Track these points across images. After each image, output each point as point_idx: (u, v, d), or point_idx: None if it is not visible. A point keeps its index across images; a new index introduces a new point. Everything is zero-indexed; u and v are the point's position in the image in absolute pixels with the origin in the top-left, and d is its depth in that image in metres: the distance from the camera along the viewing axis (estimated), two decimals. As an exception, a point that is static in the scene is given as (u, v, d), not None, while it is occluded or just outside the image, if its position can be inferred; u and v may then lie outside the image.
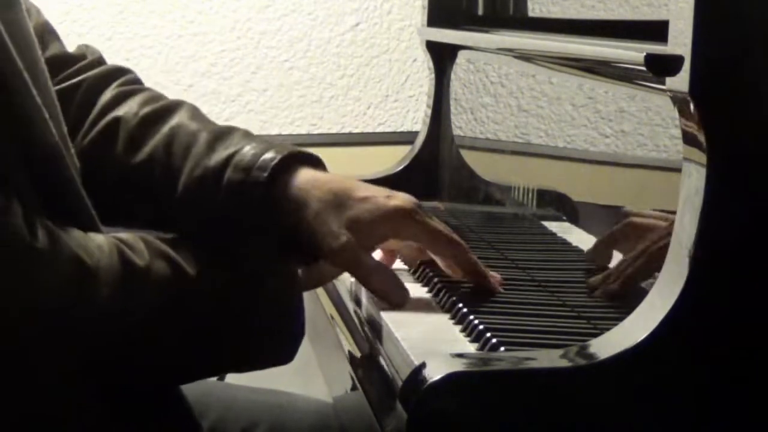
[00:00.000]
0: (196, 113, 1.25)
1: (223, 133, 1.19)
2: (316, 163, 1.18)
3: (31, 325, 1.00)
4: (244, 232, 1.13)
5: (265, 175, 1.12)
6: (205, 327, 1.09)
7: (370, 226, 1.13)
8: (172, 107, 1.26)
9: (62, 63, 1.29)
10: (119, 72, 1.32)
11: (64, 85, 1.28)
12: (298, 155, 1.16)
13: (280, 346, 1.12)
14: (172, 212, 1.19)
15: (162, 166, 1.20)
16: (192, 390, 1.18)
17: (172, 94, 2.27)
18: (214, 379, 1.40)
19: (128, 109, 1.26)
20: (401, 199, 1.16)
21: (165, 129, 1.22)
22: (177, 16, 2.30)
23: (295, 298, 1.12)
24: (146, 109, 1.25)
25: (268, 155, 1.14)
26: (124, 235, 1.09)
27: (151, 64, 2.29)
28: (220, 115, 2.32)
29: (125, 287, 1.04)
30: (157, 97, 1.29)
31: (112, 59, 2.24)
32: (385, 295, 1.18)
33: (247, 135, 1.20)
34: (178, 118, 1.23)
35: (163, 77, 2.29)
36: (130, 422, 1.09)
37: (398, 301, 1.17)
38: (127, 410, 1.09)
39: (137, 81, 1.33)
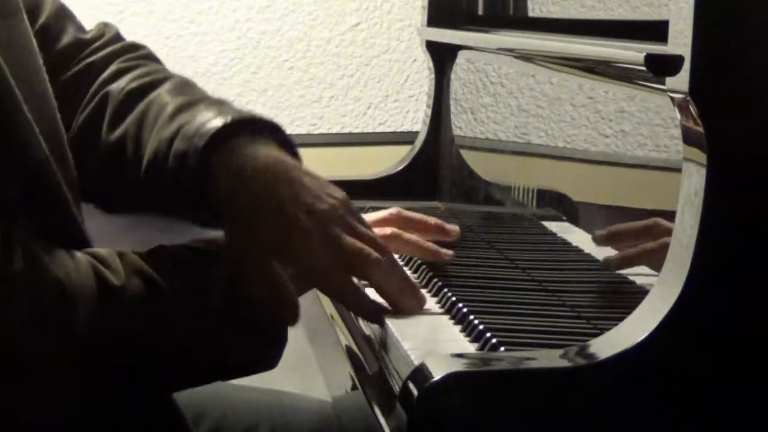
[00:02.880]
0: (179, 87, 1.21)
1: (188, 104, 1.15)
2: (272, 131, 1.12)
3: (8, 347, 1.00)
4: (187, 202, 1.09)
5: (203, 143, 1.07)
6: (185, 340, 1.08)
7: (288, 245, 1.07)
8: (158, 81, 1.22)
9: (78, 49, 1.28)
10: (129, 49, 1.29)
11: (74, 69, 1.26)
12: (249, 121, 1.10)
13: (263, 354, 1.12)
14: (140, 190, 1.17)
15: (133, 143, 1.17)
16: (193, 390, 1.18)
17: (172, 94, 2.28)
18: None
19: (118, 84, 1.23)
20: (315, 219, 1.08)
21: (141, 105, 1.18)
22: (177, 16, 2.30)
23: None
24: (132, 85, 1.21)
25: (213, 123, 1.08)
26: (102, 251, 1.08)
27: (151, 64, 2.29)
28: (220, 115, 2.32)
29: (102, 308, 1.03)
30: (153, 71, 1.24)
31: (112, 59, 2.25)
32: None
33: (213, 104, 1.14)
34: (157, 92, 1.19)
35: (163, 77, 2.29)
36: (118, 426, 1.09)
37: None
38: (115, 414, 1.09)
39: (147, 56, 1.28)
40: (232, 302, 1.09)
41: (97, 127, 1.21)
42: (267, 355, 1.12)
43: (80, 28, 1.31)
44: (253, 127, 1.10)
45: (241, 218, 1.08)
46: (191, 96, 1.19)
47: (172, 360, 1.09)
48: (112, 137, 1.19)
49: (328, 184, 1.13)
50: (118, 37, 1.31)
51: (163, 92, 1.19)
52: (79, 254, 1.06)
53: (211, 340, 1.09)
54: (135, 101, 1.20)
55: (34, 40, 1.14)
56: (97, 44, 1.29)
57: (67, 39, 1.28)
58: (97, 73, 1.26)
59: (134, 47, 1.30)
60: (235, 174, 1.08)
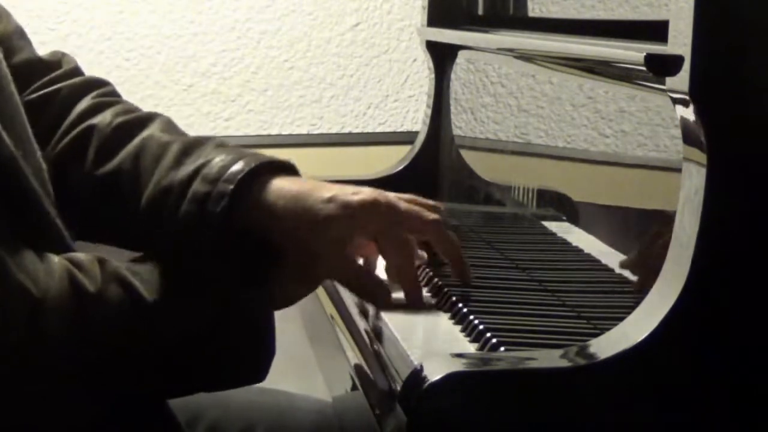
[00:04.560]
0: (169, 126, 1.23)
1: (193, 145, 1.17)
2: (289, 170, 1.16)
3: None
4: (206, 246, 1.10)
5: (231, 187, 1.10)
6: (166, 350, 1.07)
7: (340, 225, 1.12)
8: (146, 119, 1.24)
9: (35, 69, 1.27)
10: (97, 83, 1.31)
11: (39, 93, 1.26)
12: (269, 164, 1.14)
13: (248, 367, 1.11)
14: (135, 226, 1.17)
15: (129, 178, 1.18)
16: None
17: (172, 94, 2.29)
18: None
19: (102, 118, 1.24)
20: (366, 193, 1.14)
21: (136, 140, 1.20)
22: (177, 16, 2.30)
23: (264, 317, 1.10)
24: (120, 120, 1.23)
25: (236, 167, 1.11)
26: (81, 256, 1.07)
27: (151, 64, 2.29)
28: (220, 115, 2.32)
29: (76, 314, 1.03)
30: (133, 108, 1.27)
31: (112, 59, 2.26)
32: (368, 297, 1.19)
33: (220, 145, 1.17)
34: (150, 130, 1.21)
35: (163, 77, 2.29)
36: (108, 427, 1.09)
37: (380, 302, 1.18)
38: (102, 416, 1.08)
39: (115, 93, 1.31)
40: (217, 314, 1.08)
41: (79, 159, 1.22)
42: (253, 368, 1.11)
43: (35, 52, 1.31)
44: (272, 167, 1.14)
45: (298, 233, 1.11)
46: (189, 136, 1.21)
47: (152, 371, 1.08)
48: (102, 171, 1.20)
49: None
50: (79, 69, 1.32)
51: (156, 131, 1.21)
52: (55, 259, 1.05)
53: (194, 352, 1.08)
54: (125, 137, 1.21)
55: None
56: (60, 72, 1.29)
57: (24, 55, 1.27)
58: (69, 102, 1.26)
59: (102, 82, 1.32)
60: (273, 203, 1.12)
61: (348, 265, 1.15)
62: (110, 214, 1.20)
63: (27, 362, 1.01)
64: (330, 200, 1.12)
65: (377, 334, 1.16)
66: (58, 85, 1.28)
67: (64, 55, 1.33)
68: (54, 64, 1.30)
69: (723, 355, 0.94)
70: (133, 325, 1.05)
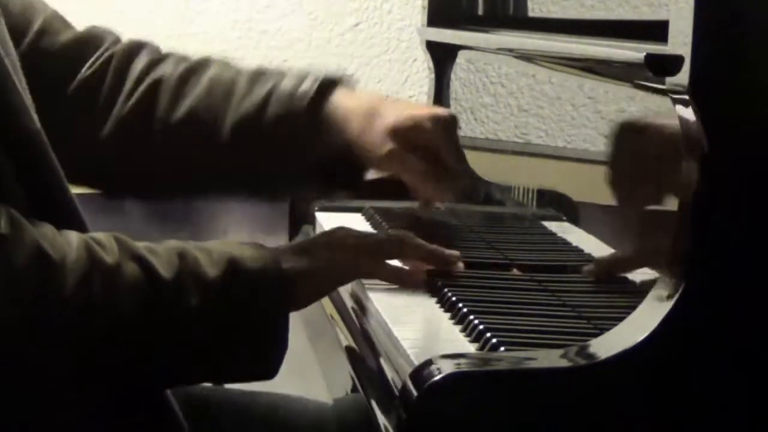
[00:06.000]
0: (228, 65, 1.38)
1: (258, 74, 1.35)
2: (346, 83, 1.35)
3: None
4: (289, 158, 1.29)
5: (305, 103, 1.31)
6: (178, 330, 1.07)
7: (408, 131, 1.30)
8: (206, 61, 1.39)
9: (84, 46, 1.36)
10: (141, 43, 1.40)
11: (95, 66, 1.35)
12: (333, 80, 1.34)
13: (258, 360, 1.10)
14: (217, 159, 1.31)
15: (205, 115, 1.33)
16: (185, 393, 1.17)
17: (172, 94, 2.28)
18: (210, 384, 1.39)
19: (164, 70, 1.36)
20: (436, 109, 1.32)
21: (203, 81, 1.35)
22: (177, 16, 2.30)
23: (279, 311, 1.10)
24: (182, 68, 1.36)
25: (306, 85, 1.32)
26: (99, 234, 1.08)
27: (151, 64, 2.29)
28: (220, 115, 2.32)
29: (92, 282, 1.02)
30: (187, 57, 1.40)
31: (112, 59, 2.25)
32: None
33: (281, 71, 1.35)
34: (213, 71, 1.37)
35: (163, 77, 2.29)
36: (111, 424, 1.09)
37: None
38: (108, 411, 1.08)
39: (159, 50, 1.41)
40: (233, 299, 1.08)
41: (150, 112, 1.34)
42: (264, 362, 1.10)
43: (77, 31, 1.40)
44: (335, 81, 1.35)
45: (372, 135, 1.31)
46: (249, 69, 1.38)
47: (162, 350, 1.07)
48: (176, 116, 1.33)
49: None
50: (119, 37, 1.42)
51: (219, 71, 1.37)
52: (73, 233, 1.05)
53: (206, 337, 1.08)
54: (192, 80, 1.36)
55: (4, 27, 1.14)
56: (107, 44, 1.39)
57: (69, 35, 1.37)
58: (124, 64, 1.37)
59: (144, 42, 1.42)
60: (345, 110, 1.33)
61: (418, 167, 1.32)
62: (190, 152, 1.33)
63: (41, 324, 1.01)
64: (400, 107, 1.33)
65: (377, 334, 1.16)
66: (109, 53, 1.37)
67: (103, 29, 1.42)
68: (98, 38, 1.39)
69: (722, 355, 0.94)
70: (147, 300, 1.05)
